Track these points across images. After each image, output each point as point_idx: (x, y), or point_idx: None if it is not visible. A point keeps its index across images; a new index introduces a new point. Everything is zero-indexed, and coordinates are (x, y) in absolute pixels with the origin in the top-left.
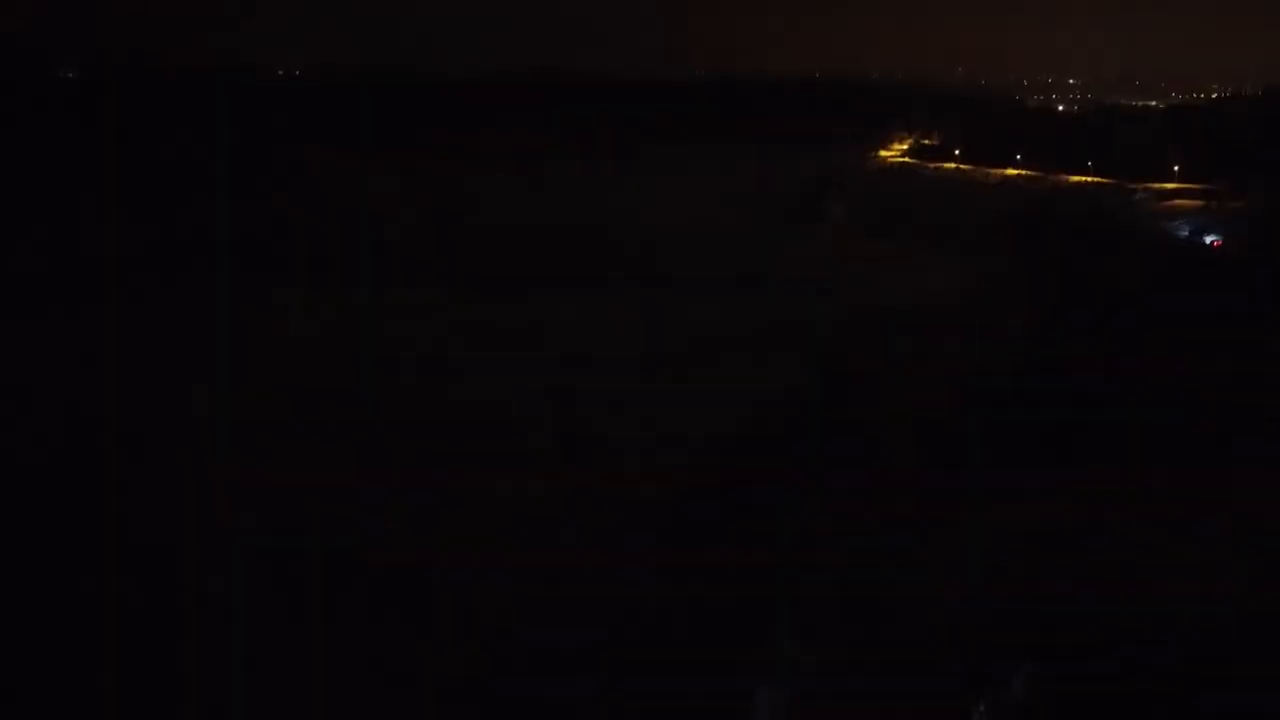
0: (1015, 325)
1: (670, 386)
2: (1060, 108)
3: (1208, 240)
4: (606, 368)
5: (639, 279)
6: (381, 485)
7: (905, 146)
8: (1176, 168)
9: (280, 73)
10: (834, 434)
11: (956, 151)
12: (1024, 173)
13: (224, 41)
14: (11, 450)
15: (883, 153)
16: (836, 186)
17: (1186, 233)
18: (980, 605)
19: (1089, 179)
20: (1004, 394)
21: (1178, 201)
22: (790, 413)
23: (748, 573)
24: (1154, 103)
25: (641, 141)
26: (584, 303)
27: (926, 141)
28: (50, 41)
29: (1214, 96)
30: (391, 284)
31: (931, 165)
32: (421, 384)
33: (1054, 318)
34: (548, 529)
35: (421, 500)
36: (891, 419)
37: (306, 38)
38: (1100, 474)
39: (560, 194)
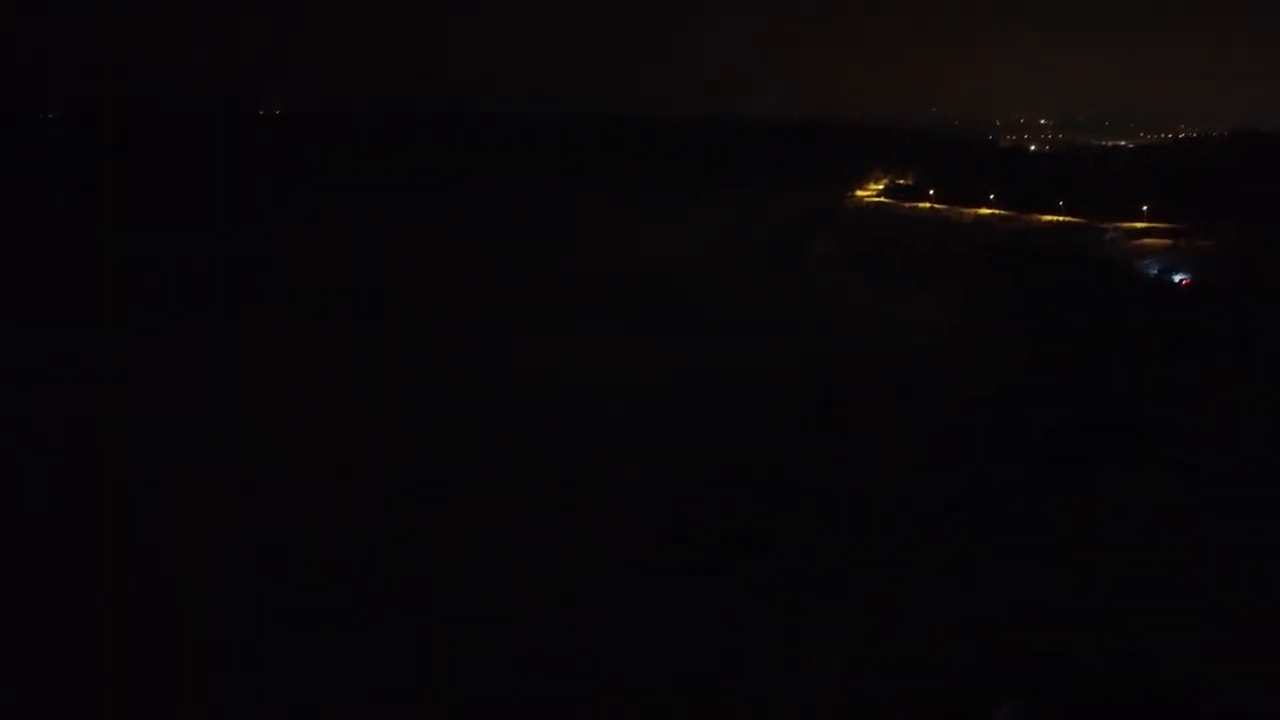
0: (996, 365)
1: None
2: (1032, 147)
3: (1177, 279)
4: (599, 408)
5: (631, 318)
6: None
7: (881, 187)
8: (1145, 207)
9: (262, 113)
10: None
11: (931, 191)
12: (997, 212)
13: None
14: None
15: (859, 193)
16: (817, 227)
17: (1156, 271)
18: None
19: (1061, 218)
20: (982, 437)
21: (1147, 240)
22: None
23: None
24: (1123, 142)
25: (622, 182)
26: (568, 345)
27: (901, 181)
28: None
29: (1181, 137)
30: (361, 318)
31: (907, 205)
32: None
33: (1032, 361)
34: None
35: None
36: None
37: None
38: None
39: (545, 234)
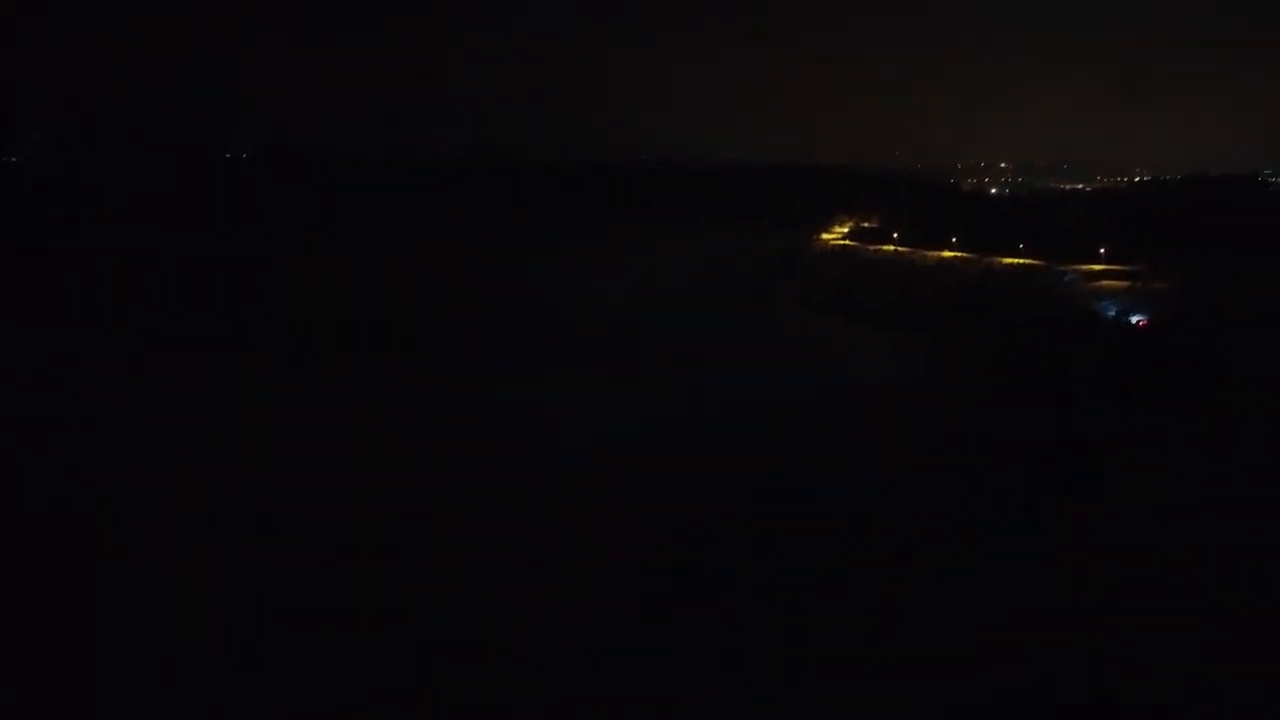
0: (962, 406)
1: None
2: (993, 190)
3: (1134, 320)
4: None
5: (598, 360)
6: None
7: (846, 229)
8: (1103, 250)
9: (228, 155)
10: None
11: (895, 234)
12: (959, 255)
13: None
14: None
15: (825, 235)
16: (784, 270)
17: (1114, 312)
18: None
19: (1021, 261)
20: (950, 478)
21: (1105, 282)
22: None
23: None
24: (1081, 185)
25: (583, 226)
26: (548, 384)
27: (866, 224)
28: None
29: (1136, 180)
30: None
31: (871, 248)
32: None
33: (996, 403)
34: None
35: None
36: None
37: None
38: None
39: (512, 275)
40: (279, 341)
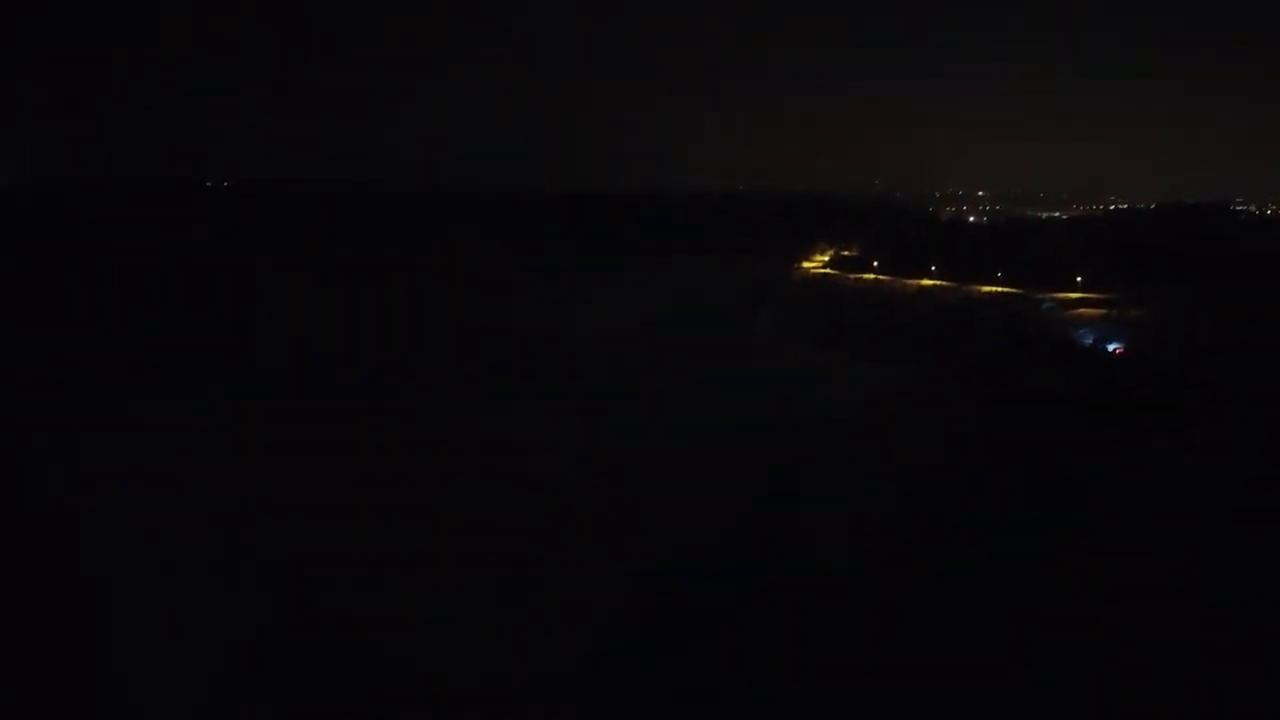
0: (942, 436)
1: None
2: (971, 219)
3: (1110, 348)
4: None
5: (579, 393)
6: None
7: (826, 258)
8: (1080, 278)
9: (209, 184)
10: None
11: (875, 263)
12: (939, 283)
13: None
14: None
15: (805, 264)
16: (766, 299)
17: (1091, 341)
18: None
19: (1000, 289)
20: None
21: (1082, 310)
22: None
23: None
24: (1058, 214)
25: (564, 256)
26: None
27: (846, 253)
28: None
29: (1112, 208)
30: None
31: (851, 276)
32: None
33: (975, 432)
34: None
35: None
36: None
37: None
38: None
39: (485, 309)
40: (252, 379)
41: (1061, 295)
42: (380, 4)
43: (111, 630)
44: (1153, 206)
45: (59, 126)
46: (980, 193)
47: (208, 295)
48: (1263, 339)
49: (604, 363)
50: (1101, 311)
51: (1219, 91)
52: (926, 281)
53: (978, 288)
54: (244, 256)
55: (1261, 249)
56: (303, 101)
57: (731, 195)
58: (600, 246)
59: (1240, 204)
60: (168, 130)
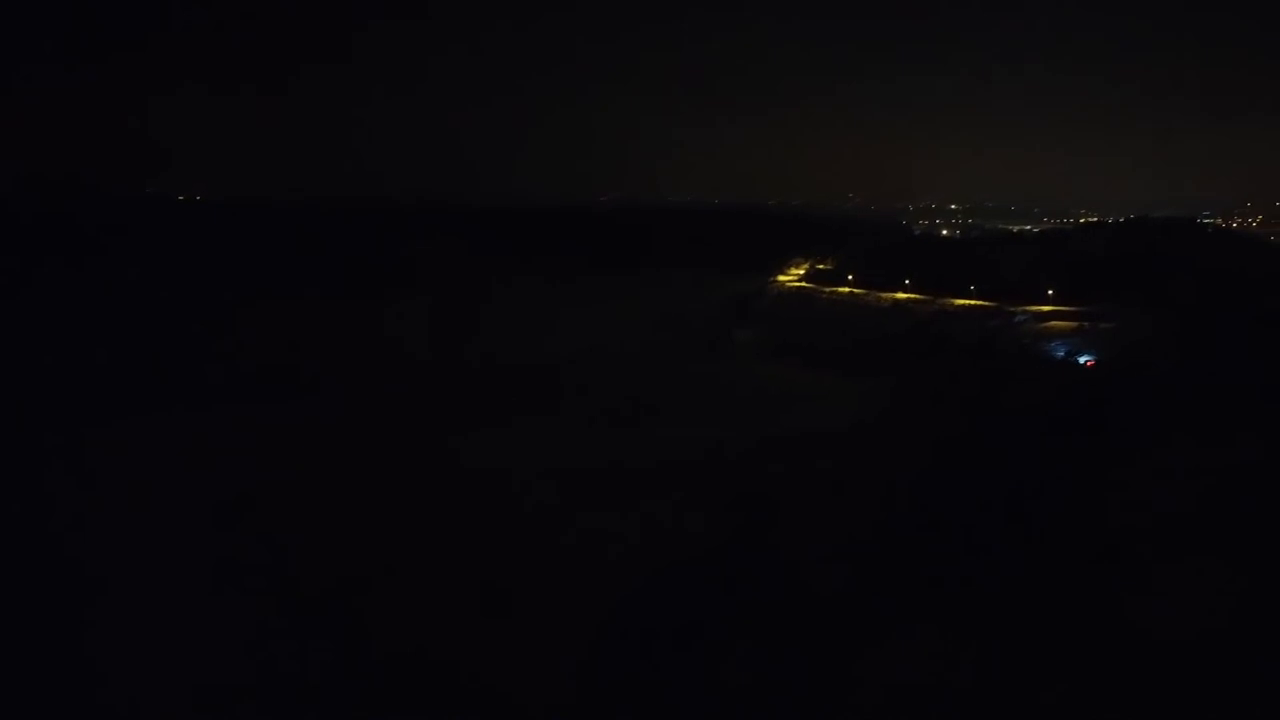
0: (920, 453)
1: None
2: (944, 232)
3: (1082, 360)
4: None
5: (559, 408)
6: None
7: (802, 271)
8: (1051, 291)
9: (180, 197)
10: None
11: (850, 276)
12: (913, 296)
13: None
14: None
15: (781, 278)
16: (742, 314)
17: (1063, 353)
18: None
19: (973, 302)
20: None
21: (1054, 323)
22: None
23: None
24: (1029, 226)
25: (541, 271)
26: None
27: (821, 266)
28: None
29: (1082, 221)
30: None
31: (827, 290)
32: None
33: (952, 448)
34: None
35: None
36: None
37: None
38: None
39: (460, 326)
40: (227, 393)
41: (1034, 308)
42: (347, 18)
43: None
44: (1122, 220)
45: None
46: (953, 206)
47: (183, 310)
48: (1230, 350)
49: (580, 377)
50: (1073, 324)
51: (1183, 109)
52: (901, 295)
53: (951, 301)
54: (214, 275)
55: (1228, 262)
56: (283, 116)
57: (706, 210)
58: (578, 262)
59: (1206, 216)
60: (142, 144)
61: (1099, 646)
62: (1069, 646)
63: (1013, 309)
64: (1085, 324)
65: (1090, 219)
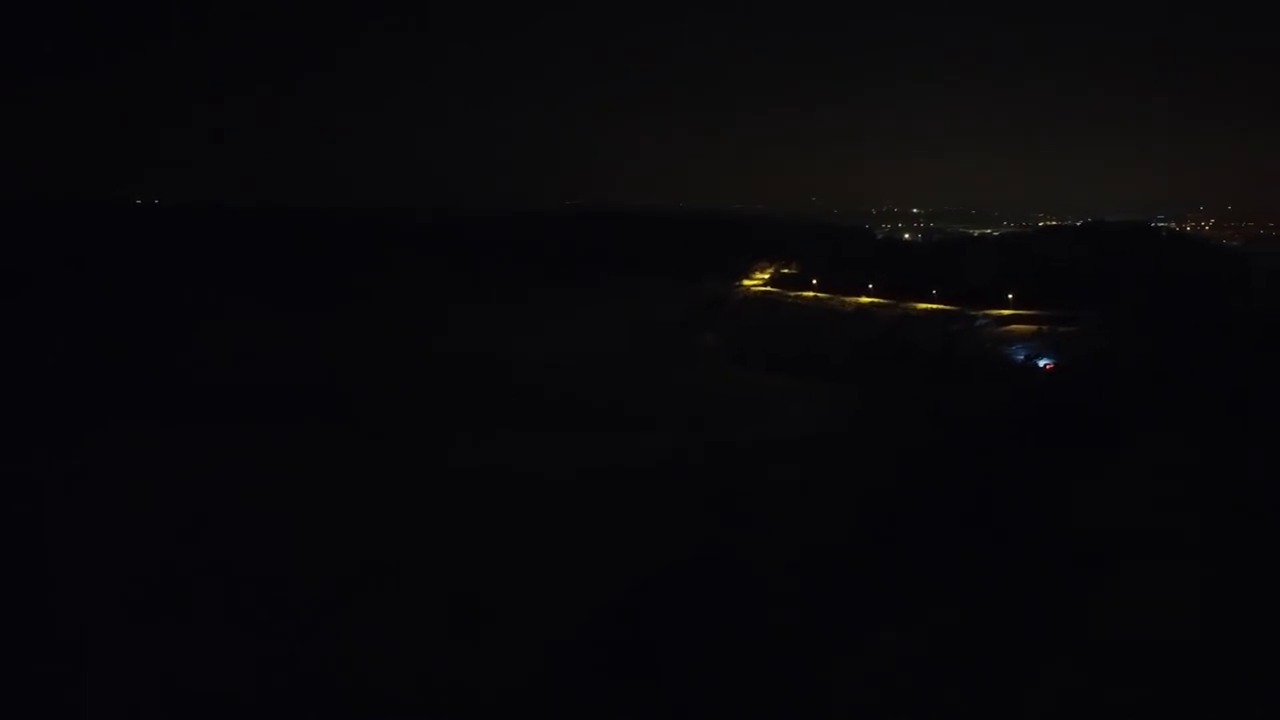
0: (886, 458)
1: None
2: (906, 236)
3: (1041, 364)
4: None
5: (524, 415)
6: None
7: (766, 276)
8: (1011, 295)
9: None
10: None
11: (814, 280)
12: (876, 300)
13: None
14: None
15: (746, 283)
16: (708, 319)
17: (1023, 357)
18: None
19: (935, 306)
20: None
21: (1014, 327)
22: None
23: None
24: (990, 230)
25: (506, 277)
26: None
27: (786, 271)
28: None
29: (1041, 225)
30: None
31: (792, 294)
32: None
33: (919, 454)
34: None
35: None
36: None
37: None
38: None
39: (426, 331)
40: (184, 410)
41: (995, 312)
42: (317, 34)
43: None
44: (1079, 224)
45: None
46: (915, 209)
47: (145, 317)
48: (1187, 352)
49: (546, 383)
50: (1033, 328)
51: (1136, 114)
52: (865, 299)
53: (914, 305)
54: (177, 278)
55: (1183, 266)
56: (243, 124)
57: (673, 215)
58: (541, 268)
59: (1161, 220)
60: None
61: (1068, 651)
62: (1040, 651)
63: (974, 313)
64: (1044, 327)
65: (1050, 222)
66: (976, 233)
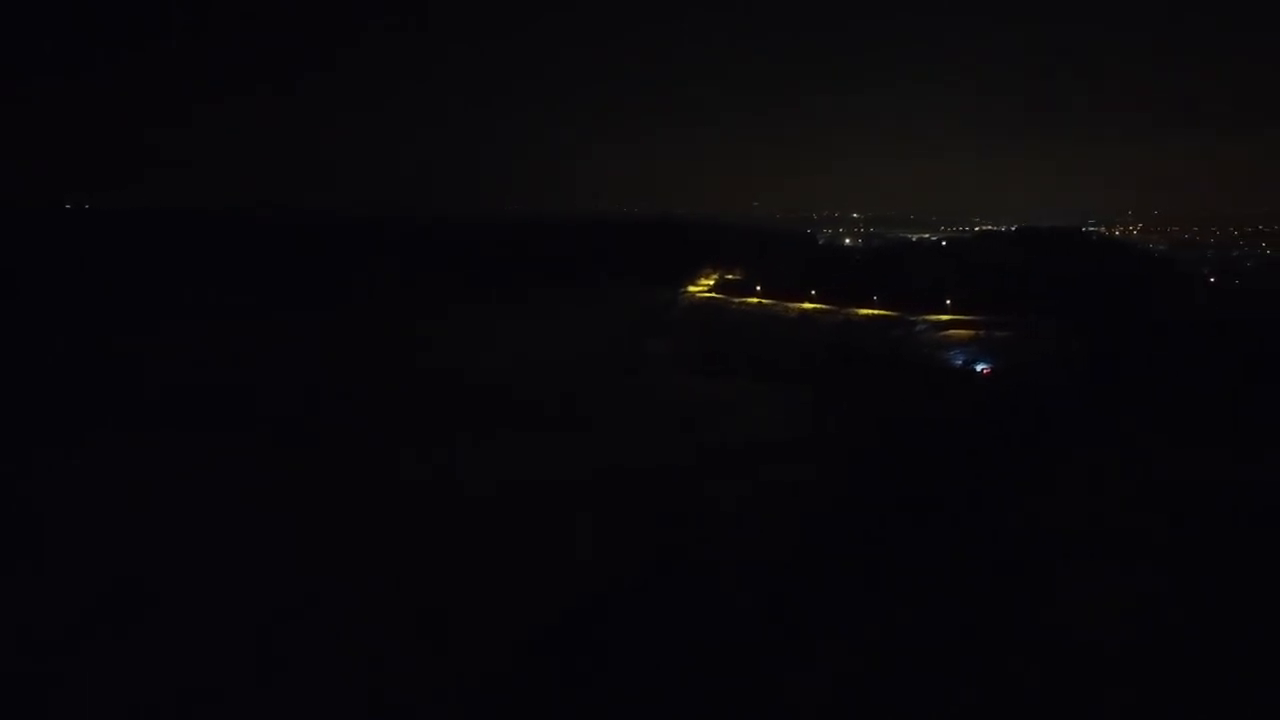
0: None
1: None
2: (847, 241)
3: (978, 368)
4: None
5: (472, 424)
6: None
7: (711, 282)
8: (949, 300)
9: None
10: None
11: (758, 287)
12: (819, 306)
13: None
14: None
15: (692, 289)
16: (653, 325)
17: (960, 362)
18: None
19: (876, 312)
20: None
21: (952, 332)
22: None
23: None
24: (929, 235)
25: (439, 285)
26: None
27: (730, 278)
28: None
29: (977, 230)
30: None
31: (736, 301)
32: None
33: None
34: None
35: None
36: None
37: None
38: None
39: (375, 342)
40: (157, 419)
41: (933, 317)
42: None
43: None
44: (1013, 229)
45: None
46: (855, 215)
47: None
48: (1120, 355)
49: (491, 393)
50: (970, 333)
51: (1072, 122)
52: (808, 305)
53: (856, 310)
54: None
55: (1114, 269)
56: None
57: (617, 220)
58: (484, 275)
59: (1092, 225)
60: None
61: (1012, 657)
62: (986, 658)
63: (914, 318)
64: (981, 332)
65: (986, 226)
66: (915, 238)
